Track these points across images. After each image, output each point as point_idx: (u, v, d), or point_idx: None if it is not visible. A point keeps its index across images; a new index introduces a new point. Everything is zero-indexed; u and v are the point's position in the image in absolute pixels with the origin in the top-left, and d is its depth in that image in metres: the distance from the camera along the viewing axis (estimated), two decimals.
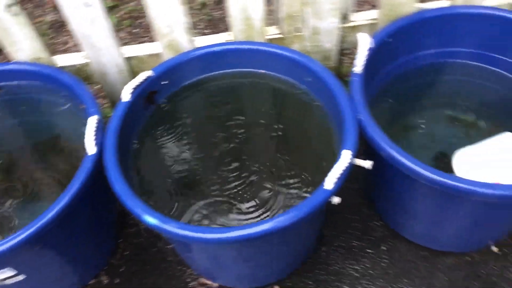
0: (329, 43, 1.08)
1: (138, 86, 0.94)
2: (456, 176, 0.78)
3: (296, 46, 1.09)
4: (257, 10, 0.99)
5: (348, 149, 0.80)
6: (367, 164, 0.84)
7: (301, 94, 1.00)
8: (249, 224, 0.75)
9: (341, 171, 0.77)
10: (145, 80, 0.95)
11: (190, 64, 1.00)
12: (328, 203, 0.80)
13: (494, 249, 1.05)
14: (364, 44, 0.89)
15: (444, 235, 1.03)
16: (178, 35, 1.02)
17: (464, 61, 1.06)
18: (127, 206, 0.77)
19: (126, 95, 0.92)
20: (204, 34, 1.38)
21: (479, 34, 1.01)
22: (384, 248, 1.08)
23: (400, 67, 1.07)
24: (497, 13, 0.99)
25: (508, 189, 0.75)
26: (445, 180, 0.77)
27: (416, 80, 1.09)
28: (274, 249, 0.91)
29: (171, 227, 0.74)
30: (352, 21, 1.07)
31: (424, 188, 0.87)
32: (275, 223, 0.74)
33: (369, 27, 1.07)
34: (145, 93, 0.97)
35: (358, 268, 1.05)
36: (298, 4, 0.99)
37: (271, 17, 1.10)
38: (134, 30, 1.71)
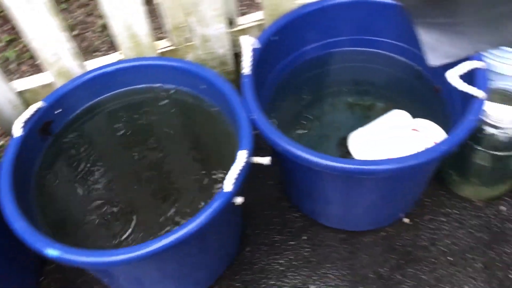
0: (222, 48, 1.10)
1: (29, 119, 0.92)
2: (343, 159, 0.82)
3: (190, 56, 1.10)
4: (142, 26, 0.99)
5: (244, 149, 0.82)
6: (266, 160, 0.86)
7: (199, 102, 1.02)
8: (154, 239, 0.75)
9: (238, 172, 0.79)
10: (36, 111, 0.93)
11: (82, 88, 0.99)
12: (232, 205, 0.81)
13: (406, 220, 1.11)
14: (247, 46, 0.91)
15: (357, 216, 1.07)
16: (66, 61, 1.01)
17: (347, 48, 1.12)
18: (27, 242, 0.76)
19: (17, 130, 0.90)
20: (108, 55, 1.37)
21: (354, 21, 1.07)
22: (305, 238, 1.11)
23: (292, 63, 1.10)
24: None
25: (396, 162, 0.80)
26: (337, 164, 0.81)
27: (310, 73, 1.14)
28: (193, 258, 0.92)
29: (73, 256, 0.73)
30: (240, 24, 1.10)
31: (325, 174, 0.91)
32: (179, 234, 0.75)
33: (258, 28, 1.11)
34: (39, 124, 0.95)
35: (282, 261, 1.08)
36: (181, 14, 1.00)
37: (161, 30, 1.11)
38: (36, 62, 1.67)
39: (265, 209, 1.17)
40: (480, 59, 0.90)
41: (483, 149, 0.99)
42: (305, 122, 1.15)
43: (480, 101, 0.85)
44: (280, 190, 1.19)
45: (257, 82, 0.99)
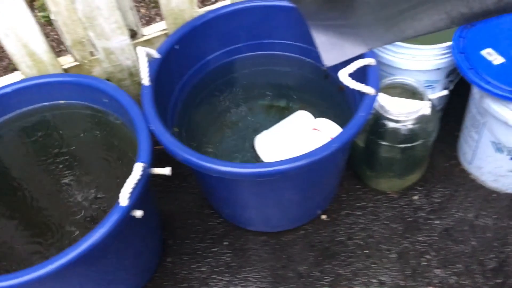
0: (128, 60, 1.09)
1: None
2: (234, 163, 0.83)
3: (97, 70, 1.09)
4: (39, 43, 0.98)
5: (141, 162, 0.82)
6: (166, 171, 0.86)
7: (104, 115, 1.01)
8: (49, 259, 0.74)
9: (133, 185, 0.79)
10: None
11: None
12: (132, 218, 0.81)
13: (323, 217, 1.13)
14: (142, 56, 0.91)
15: (274, 217, 1.09)
16: None
17: (251, 53, 1.13)
18: None
19: None
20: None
21: (253, 26, 1.09)
22: (226, 243, 1.11)
23: (199, 72, 1.11)
24: (255, 4, 1.07)
25: (288, 162, 0.81)
26: (227, 169, 0.81)
27: (219, 81, 1.15)
28: (106, 274, 0.91)
29: None
30: (144, 35, 1.10)
31: (232, 180, 0.91)
32: (75, 252, 0.74)
33: (164, 38, 1.10)
34: None
35: (204, 269, 1.08)
36: (80, 29, 0.99)
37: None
38: None
39: (187, 218, 1.17)
40: (372, 57, 0.93)
41: (387, 143, 1.02)
42: (221, 129, 1.16)
43: (371, 97, 0.87)
44: (202, 198, 1.19)
45: (163, 93, 0.99)
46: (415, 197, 1.15)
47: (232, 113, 1.17)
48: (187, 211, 1.18)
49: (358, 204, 1.15)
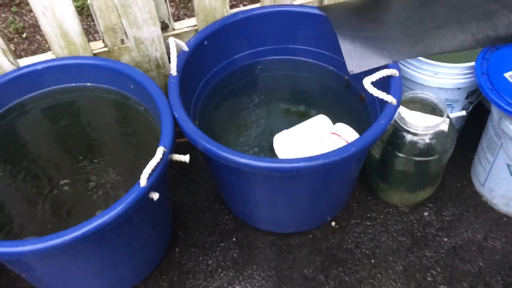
0: (157, 51, 1.12)
1: None
2: (251, 156, 0.84)
3: (125, 58, 1.12)
4: (73, 25, 1.01)
5: (163, 146, 0.84)
6: (186, 158, 0.88)
7: (128, 101, 1.03)
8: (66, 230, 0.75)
9: (153, 167, 0.81)
10: None
11: (11, 85, 0.99)
12: (149, 200, 0.83)
13: (332, 223, 1.14)
14: (173, 47, 0.94)
15: (284, 218, 1.10)
16: None
17: (276, 57, 1.16)
18: None
19: None
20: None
21: (281, 30, 1.11)
22: (235, 240, 1.13)
23: (224, 69, 1.14)
24: (285, 9, 1.10)
25: (307, 160, 0.82)
26: (243, 160, 0.83)
27: (243, 80, 1.17)
28: (115, 252, 0.92)
29: None
30: (175, 29, 1.13)
31: (248, 175, 0.93)
32: (92, 225, 0.75)
33: (193, 34, 1.13)
34: None
35: (211, 262, 1.09)
36: (114, 16, 1.02)
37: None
38: None
39: (199, 211, 1.18)
40: (395, 68, 0.95)
41: (403, 155, 1.03)
42: (240, 127, 1.18)
43: (392, 107, 0.89)
44: (215, 193, 1.21)
45: (188, 85, 1.02)
46: (425, 213, 1.15)
47: (252, 113, 1.19)
48: (199, 204, 1.19)
49: (368, 215, 1.15)
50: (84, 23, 1.77)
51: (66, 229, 0.75)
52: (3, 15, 1.82)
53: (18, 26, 1.76)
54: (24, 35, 1.74)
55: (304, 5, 1.10)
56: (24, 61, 1.06)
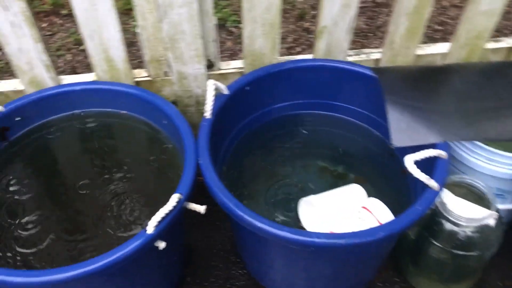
0: (199, 88, 1.09)
1: None
2: (267, 221, 0.77)
3: (167, 90, 1.10)
4: (119, 51, 1.00)
5: (179, 193, 0.80)
6: (201, 209, 0.83)
7: (159, 135, 1.00)
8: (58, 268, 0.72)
9: (163, 215, 0.76)
10: None
11: (48, 101, 0.99)
12: (154, 247, 0.78)
13: None
14: (211, 90, 0.90)
15: (298, 287, 1.02)
16: (38, 72, 1.01)
17: (317, 111, 1.10)
18: None
19: None
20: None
21: (322, 84, 1.06)
22: None
23: (261, 117, 1.09)
24: (336, 65, 1.05)
25: (325, 237, 0.75)
26: (259, 224, 0.77)
27: (280, 131, 1.12)
28: None
29: None
30: (221, 69, 1.09)
31: (259, 236, 0.86)
32: (88, 268, 0.71)
33: (238, 76, 1.10)
34: None
35: None
36: (160, 48, 1.00)
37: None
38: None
39: (212, 259, 1.12)
40: (444, 149, 0.87)
41: (439, 245, 0.93)
42: (269, 179, 1.12)
43: (433, 192, 0.80)
44: (232, 243, 1.15)
45: (221, 129, 0.98)
46: None
47: (284, 167, 1.13)
48: (214, 252, 1.13)
49: None
50: (131, 48, 1.78)
51: (66, 266, 0.71)
52: (66, 24, 1.87)
53: (79, 37, 1.80)
54: (82, 47, 1.78)
55: (357, 64, 1.05)
56: (66, 79, 1.06)
